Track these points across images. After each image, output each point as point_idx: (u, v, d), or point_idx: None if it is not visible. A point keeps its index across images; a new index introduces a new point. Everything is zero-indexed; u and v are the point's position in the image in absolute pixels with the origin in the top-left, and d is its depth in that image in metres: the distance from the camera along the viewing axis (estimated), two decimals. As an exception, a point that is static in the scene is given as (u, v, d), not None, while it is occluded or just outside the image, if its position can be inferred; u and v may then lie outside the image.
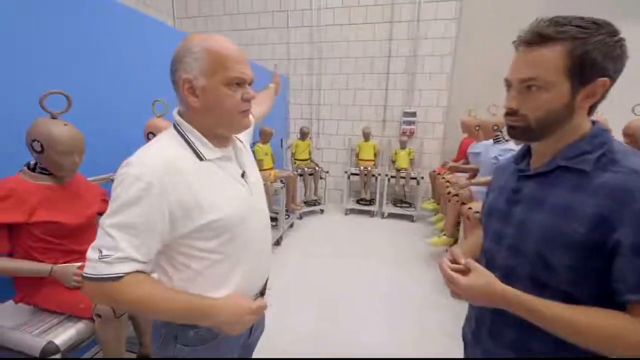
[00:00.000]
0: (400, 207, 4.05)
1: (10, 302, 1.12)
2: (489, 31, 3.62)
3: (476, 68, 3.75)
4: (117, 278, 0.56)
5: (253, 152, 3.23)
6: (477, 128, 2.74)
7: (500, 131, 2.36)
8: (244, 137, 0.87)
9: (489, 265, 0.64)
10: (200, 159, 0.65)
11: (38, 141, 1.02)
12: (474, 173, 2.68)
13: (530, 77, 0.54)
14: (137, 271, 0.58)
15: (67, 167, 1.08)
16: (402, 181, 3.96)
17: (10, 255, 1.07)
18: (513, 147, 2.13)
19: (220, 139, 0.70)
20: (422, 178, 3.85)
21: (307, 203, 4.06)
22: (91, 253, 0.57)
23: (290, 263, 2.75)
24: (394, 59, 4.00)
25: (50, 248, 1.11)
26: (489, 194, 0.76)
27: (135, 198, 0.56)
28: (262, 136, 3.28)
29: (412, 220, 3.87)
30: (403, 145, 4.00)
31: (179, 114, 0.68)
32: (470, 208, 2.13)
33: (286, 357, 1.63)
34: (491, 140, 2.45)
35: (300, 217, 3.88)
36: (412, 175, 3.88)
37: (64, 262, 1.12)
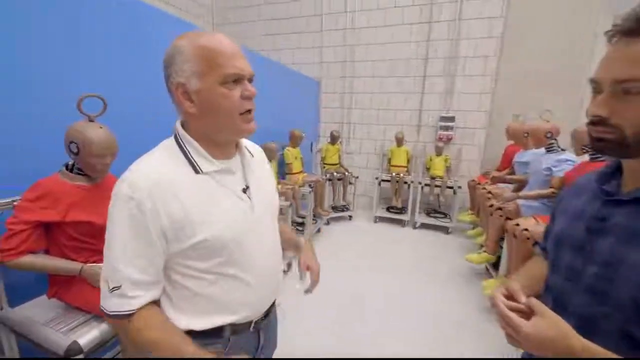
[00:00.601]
0: (434, 217, 3.81)
1: (44, 297, 1.16)
2: (540, 29, 3.31)
3: (524, 70, 3.44)
4: (128, 315, 0.54)
5: (282, 156, 3.25)
6: (526, 135, 2.49)
7: (555, 139, 2.11)
8: (257, 153, 0.79)
9: (558, 308, 0.51)
10: (197, 171, 0.59)
11: (75, 143, 1.05)
12: (521, 185, 2.42)
13: (630, 77, 0.41)
14: (149, 303, 0.56)
15: (99, 168, 1.10)
16: (437, 190, 3.73)
17: (47, 252, 1.11)
18: (571, 157, 1.88)
19: (223, 148, 0.64)
20: (460, 187, 3.59)
21: (335, 209, 3.97)
22: (102, 284, 0.56)
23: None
24: (431, 60, 3.80)
25: (83, 247, 1.13)
26: (556, 216, 0.62)
27: (129, 219, 0.53)
28: (292, 140, 3.27)
29: (447, 232, 3.63)
30: (439, 152, 3.77)
31: (182, 124, 0.63)
32: (517, 225, 1.90)
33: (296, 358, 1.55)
34: (543, 149, 2.19)
35: (328, 223, 3.80)
36: (449, 183, 3.63)
37: (94, 261, 1.13)
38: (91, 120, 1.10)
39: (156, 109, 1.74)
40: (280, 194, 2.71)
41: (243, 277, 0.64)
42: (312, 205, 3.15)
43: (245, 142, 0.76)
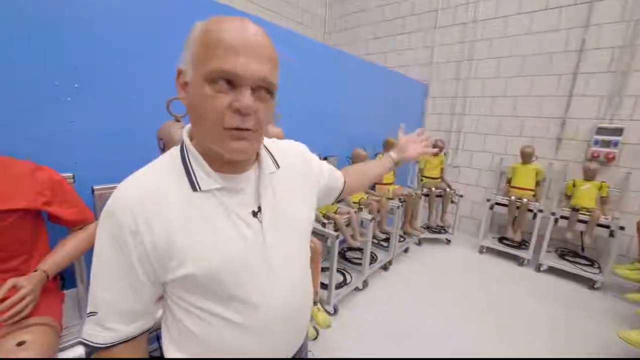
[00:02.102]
0: (573, 262, 2.82)
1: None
2: None
3: None
4: (97, 349, 0.48)
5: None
6: None
7: None
8: (292, 159, 0.65)
9: None
10: (194, 188, 0.49)
11: (162, 140, 1.18)
12: None
13: None
14: (129, 340, 0.49)
15: (177, 165, 1.20)
16: (580, 226, 2.74)
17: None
18: None
19: (226, 161, 0.51)
20: (622, 228, 2.52)
21: (430, 229, 3.47)
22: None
23: (388, 296, 2.36)
24: (589, 52, 2.83)
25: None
26: None
27: (109, 237, 0.46)
28: (386, 148, 3.02)
29: (592, 288, 2.61)
30: (590, 175, 2.77)
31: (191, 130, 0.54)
32: None
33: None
34: None
35: (419, 243, 3.35)
36: (603, 220, 2.61)
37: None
38: (177, 120, 1.21)
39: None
40: (364, 205, 2.52)
41: (242, 322, 0.52)
42: (399, 221, 2.82)
43: (275, 147, 0.63)
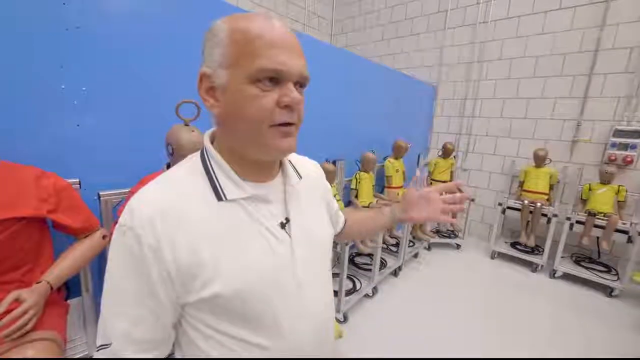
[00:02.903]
0: (589, 269, 2.73)
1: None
2: None
3: None
4: None
5: (383, 167, 2.99)
6: None
7: None
8: (310, 171, 0.62)
9: None
10: (220, 198, 0.44)
11: (170, 145, 1.14)
12: None
13: None
14: None
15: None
16: (597, 231, 2.66)
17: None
18: None
19: (259, 167, 0.48)
20: (641, 234, 2.44)
21: (440, 233, 3.39)
22: None
23: (398, 303, 2.29)
24: (605, 53, 2.75)
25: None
26: None
27: (125, 254, 0.41)
28: (396, 151, 2.96)
29: (610, 295, 2.52)
30: (607, 179, 2.68)
31: (213, 135, 0.50)
32: None
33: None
34: None
35: (429, 248, 3.28)
36: (621, 226, 2.53)
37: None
38: (186, 125, 1.17)
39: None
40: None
41: (270, 346, 0.47)
42: (409, 226, 2.76)
43: (293, 158, 0.59)
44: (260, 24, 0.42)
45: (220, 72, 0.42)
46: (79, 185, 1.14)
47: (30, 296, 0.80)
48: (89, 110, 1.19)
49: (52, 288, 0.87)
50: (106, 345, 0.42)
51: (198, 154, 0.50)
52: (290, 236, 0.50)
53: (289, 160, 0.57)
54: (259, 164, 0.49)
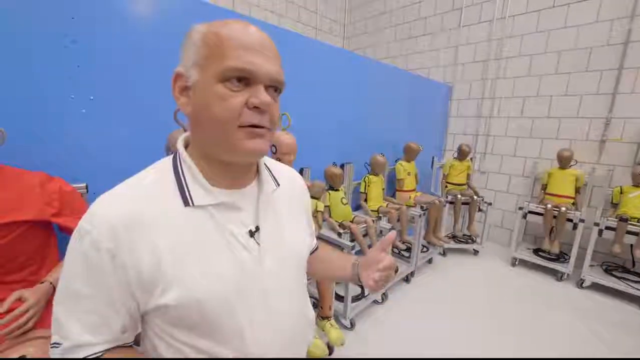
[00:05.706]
0: (622, 279, 2.52)
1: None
2: None
3: None
4: None
5: (394, 170, 2.92)
6: None
7: None
8: (288, 179, 0.60)
9: None
10: (186, 203, 0.44)
11: (170, 150, 1.17)
12: None
13: None
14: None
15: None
16: (630, 238, 2.45)
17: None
18: None
19: (232, 172, 0.47)
20: (682, 242, 2.22)
21: (456, 238, 3.26)
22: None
23: (410, 311, 2.21)
24: (636, 45, 2.55)
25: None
26: None
27: (82, 259, 0.41)
28: (407, 153, 2.89)
29: (646, 308, 2.31)
30: (640, 182, 2.48)
31: (187, 139, 0.50)
32: None
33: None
34: None
35: (444, 254, 3.16)
36: (656, 232, 2.31)
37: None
38: (185, 130, 1.19)
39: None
40: (383, 214, 2.41)
41: (233, 356, 0.46)
42: (421, 230, 2.67)
43: (272, 165, 0.58)
44: (235, 27, 0.42)
45: (192, 72, 0.43)
46: (86, 190, 1.19)
47: (32, 296, 0.84)
48: (96, 118, 1.25)
49: (54, 288, 0.91)
50: (58, 344, 0.43)
51: (170, 157, 0.50)
52: (259, 245, 0.48)
53: (267, 168, 0.56)
54: (231, 169, 0.48)
